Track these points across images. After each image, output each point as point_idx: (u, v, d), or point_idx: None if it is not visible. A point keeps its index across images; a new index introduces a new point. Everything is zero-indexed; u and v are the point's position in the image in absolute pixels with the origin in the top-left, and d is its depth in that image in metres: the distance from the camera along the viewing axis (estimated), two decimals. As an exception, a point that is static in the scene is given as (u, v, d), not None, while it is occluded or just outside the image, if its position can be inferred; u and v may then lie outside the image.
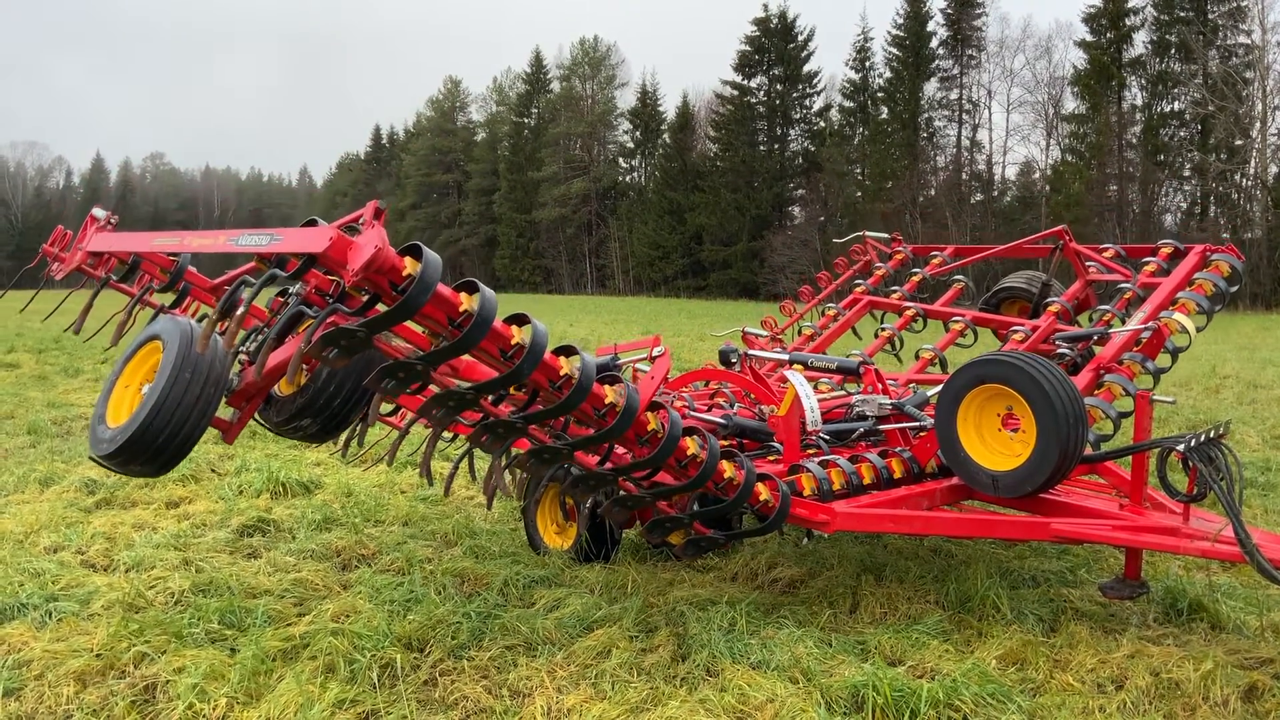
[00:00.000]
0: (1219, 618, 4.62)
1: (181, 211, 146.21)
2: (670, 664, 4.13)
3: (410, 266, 3.27)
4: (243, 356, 3.88)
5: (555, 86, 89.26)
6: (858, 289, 7.77)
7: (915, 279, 7.67)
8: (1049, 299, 6.65)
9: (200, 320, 5.03)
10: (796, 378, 5.09)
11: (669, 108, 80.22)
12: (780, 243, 63.42)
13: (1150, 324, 5.51)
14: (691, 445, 4.10)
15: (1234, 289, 5.96)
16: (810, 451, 5.11)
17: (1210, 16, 50.45)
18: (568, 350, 3.74)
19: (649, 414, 3.99)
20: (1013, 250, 7.67)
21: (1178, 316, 5.48)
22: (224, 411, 4.25)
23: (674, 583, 5.23)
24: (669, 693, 3.82)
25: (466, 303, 3.39)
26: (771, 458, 5.17)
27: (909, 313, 7.19)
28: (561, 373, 3.68)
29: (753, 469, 4.27)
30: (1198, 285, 5.82)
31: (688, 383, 6.54)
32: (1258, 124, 49.52)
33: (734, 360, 6.20)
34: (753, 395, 5.91)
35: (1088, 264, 6.81)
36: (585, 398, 3.69)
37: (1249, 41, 50.30)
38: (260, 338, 4.08)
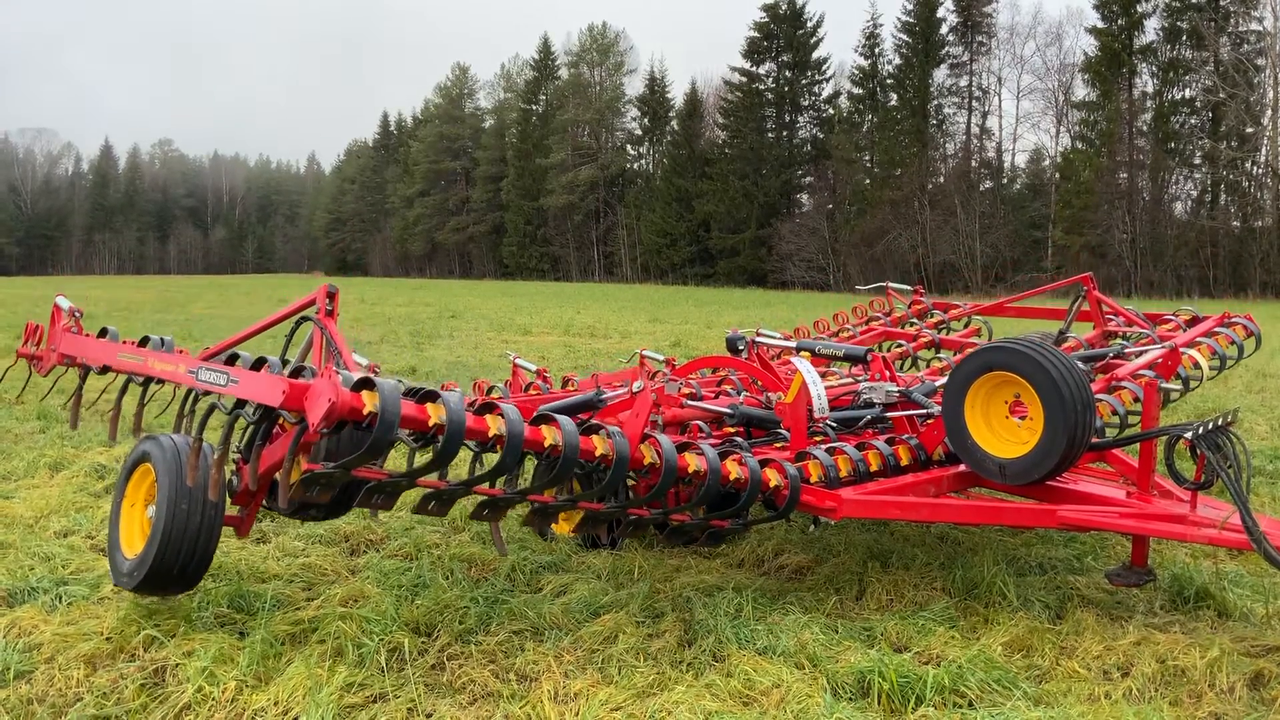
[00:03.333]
0: (1226, 605, 4.61)
1: (190, 199, 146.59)
2: (677, 649, 4.14)
3: (369, 402, 3.25)
4: (235, 455, 3.89)
5: (563, 73, 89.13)
6: (875, 323, 7.98)
7: (935, 320, 7.86)
8: (1065, 338, 6.73)
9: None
10: (803, 364, 5.08)
11: (677, 95, 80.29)
12: (788, 230, 63.38)
13: (1168, 344, 5.78)
14: (692, 461, 4.09)
15: (1247, 355, 6.41)
16: (817, 439, 5.11)
17: (1222, 3, 50.14)
18: (545, 419, 3.74)
19: (642, 448, 3.98)
20: (1033, 309, 7.84)
21: (1194, 353, 5.81)
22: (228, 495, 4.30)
23: (680, 569, 5.25)
24: (675, 677, 3.83)
25: (434, 415, 3.40)
26: (778, 444, 5.17)
27: (925, 338, 7.30)
28: (546, 444, 3.68)
29: (756, 463, 4.26)
30: (1215, 336, 6.23)
31: (695, 369, 6.54)
32: (1269, 111, 49.29)
33: (741, 347, 6.20)
34: (760, 382, 5.91)
35: (1108, 316, 6.96)
36: (574, 466, 3.72)
37: (1261, 28, 50.03)
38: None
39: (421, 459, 3.73)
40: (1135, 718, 3.43)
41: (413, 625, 4.33)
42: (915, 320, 8.08)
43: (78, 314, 5.32)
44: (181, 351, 5.55)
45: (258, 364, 3.73)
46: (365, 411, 3.24)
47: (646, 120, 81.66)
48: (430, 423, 3.39)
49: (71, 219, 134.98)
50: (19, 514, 6.17)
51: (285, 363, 4.09)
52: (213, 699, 3.63)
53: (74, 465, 7.57)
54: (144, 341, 5.16)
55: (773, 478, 4.30)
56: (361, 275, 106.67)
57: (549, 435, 3.68)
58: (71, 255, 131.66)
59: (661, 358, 7.77)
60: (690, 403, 5.58)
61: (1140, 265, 49.55)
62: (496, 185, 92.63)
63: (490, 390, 6.95)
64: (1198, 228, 49.27)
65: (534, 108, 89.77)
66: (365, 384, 3.28)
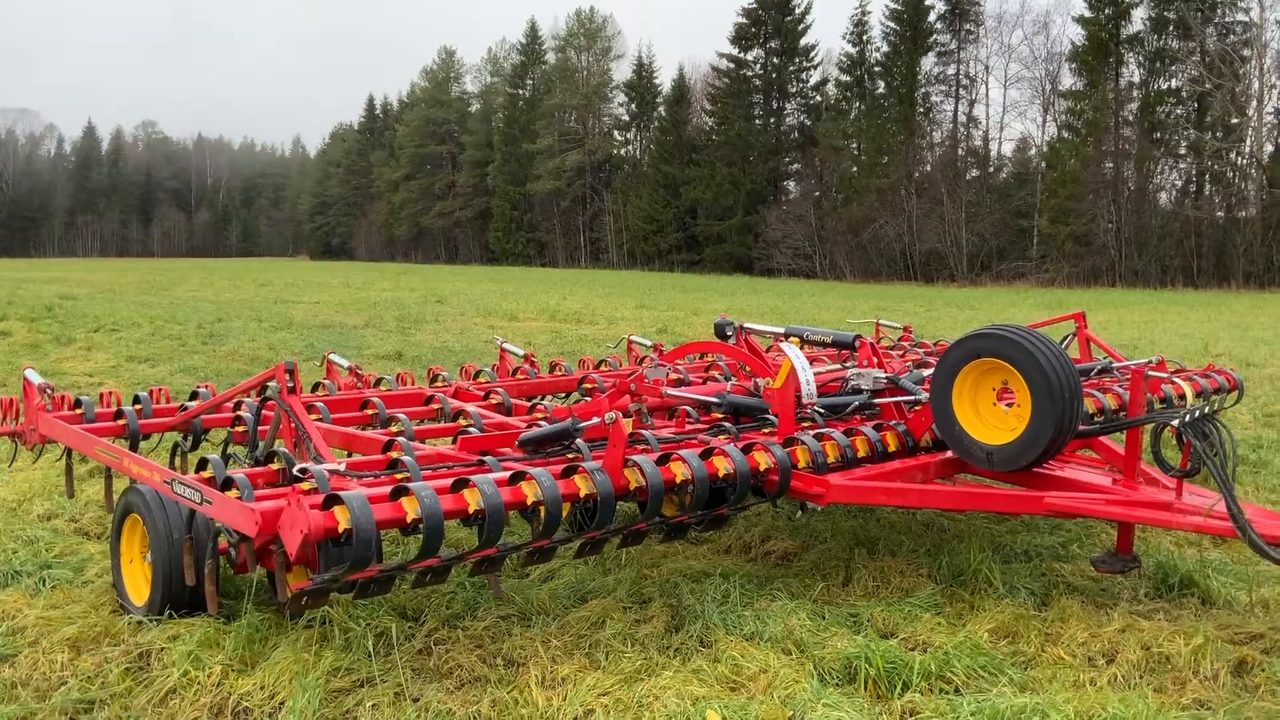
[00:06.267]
0: (1210, 593, 4.64)
1: (174, 181, 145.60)
2: (664, 635, 4.14)
3: (342, 519, 3.26)
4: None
5: (550, 58, 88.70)
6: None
7: (924, 352, 8.01)
8: None
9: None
10: (792, 350, 5.08)
11: (665, 80, 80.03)
12: (775, 217, 63.34)
13: (1156, 358, 6.24)
14: (679, 472, 4.07)
15: (1229, 405, 6.80)
16: (805, 425, 5.11)
17: (1209, -7, 50.19)
18: (519, 476, 3.74)
19: (626, 473, 3.97)
20: None
21: (1181, 382, 6.22)
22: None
23: (668, 555, 5.25)
24: (662, 663, 3.83)
25: (410, 510, 3.41)
26: (766, 430, 5.16)
27: (914, 355, 7.39)
28: (529, 502, 3.68)
29: (740, 454, 4.26)
30: (1207, 379, 6.64)
31: (683, 355, 6.53)
32: (1254, 102, 49.49)
33: (730, 333, 6.19)
34: (748, 368, 5.91)
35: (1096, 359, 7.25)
36: (560, 522, 3.72)
37: (1247, 19, 50.18)
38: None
39: None
40: (1120, 704, 3.45)
41: (400, 610, 4.32)
42: (905, 345, 8.21)
43: (48, 389, 5.42)
44: (158, 391, 5.70)
45: (226, 485, 3.70)
46: (341, 529, 3.26)
47: (634, 106, 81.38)
48: (409, 519, 3.41)
49: (54, 201, 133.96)
50: (2, 497, 6.14)
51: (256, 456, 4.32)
52: (198, 683, 3.61)
53: (57, 448, 7.49)
54: (118, 415, 5.25)
55: (762, 460, 4.29)
56: (346, 259, 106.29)
57: (530, 493, 3.68)
58: (54, 237, 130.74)
59: (649, 343, 7.77)
60: (676, 391, 5.57)
61: (1125, 255, 49.74)
62: (483, 170, 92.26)
63: (478, 375, 6.93)
64: (1182, 218, 49.43)
65: (521, 92, 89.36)
66: (334, 500, 3.30)
